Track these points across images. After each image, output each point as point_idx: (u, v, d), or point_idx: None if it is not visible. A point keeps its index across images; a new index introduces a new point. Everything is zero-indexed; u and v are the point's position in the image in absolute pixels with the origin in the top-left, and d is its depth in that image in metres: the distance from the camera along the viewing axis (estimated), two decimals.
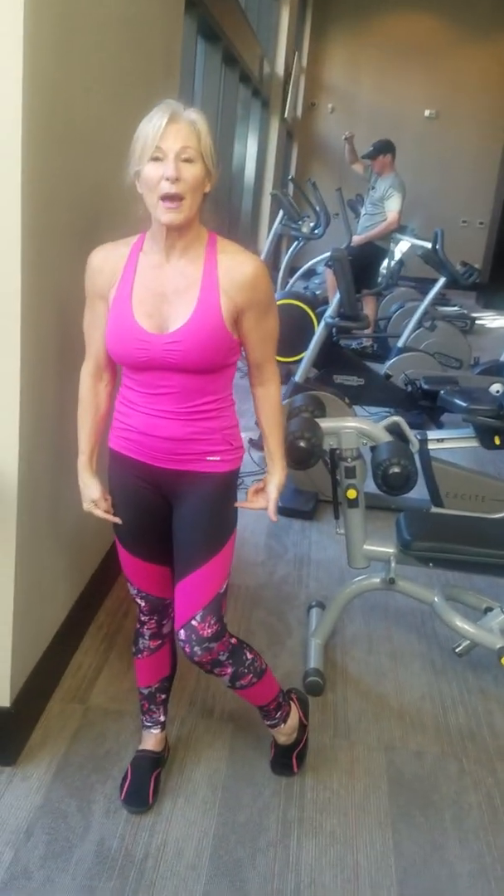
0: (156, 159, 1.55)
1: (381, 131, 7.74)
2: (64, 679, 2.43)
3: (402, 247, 7.23)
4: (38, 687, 2.21)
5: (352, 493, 2.54)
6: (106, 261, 1.69)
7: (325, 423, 2.52)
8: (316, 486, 3.81)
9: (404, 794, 2.13)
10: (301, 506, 3.77)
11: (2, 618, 1.96)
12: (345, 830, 1.99)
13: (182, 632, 1.77)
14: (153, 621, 1.96)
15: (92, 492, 1.84)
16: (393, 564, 2.54)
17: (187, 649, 1.78)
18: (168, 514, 1.81)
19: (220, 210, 6.19)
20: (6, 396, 1.80)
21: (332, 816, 2.03)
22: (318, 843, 1.95)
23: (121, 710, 2.32)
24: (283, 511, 3.75)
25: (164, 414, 1.69)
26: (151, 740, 2.08)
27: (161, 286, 1.64)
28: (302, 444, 2.38)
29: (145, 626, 1.97)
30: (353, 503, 2.56)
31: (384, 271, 6.77)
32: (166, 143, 1.54)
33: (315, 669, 2.52)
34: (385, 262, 6.84)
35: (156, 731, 2.08)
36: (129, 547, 1.87)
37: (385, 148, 6.63)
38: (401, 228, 6.97)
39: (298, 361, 4.30)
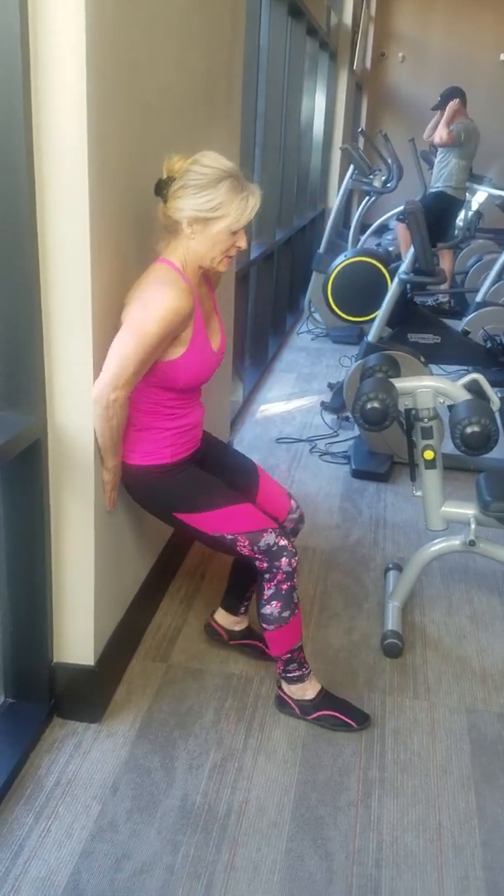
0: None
1: (454, 78, 7.43)
2: (145, 639, 2.48)
3: (478, 197, 6.97)
4: (120, 646, 2.26)
5: (429, 454, 2.49)
6: (192, 304, 1.86)
7: (399, 383, 2.46)
8: (391, 448, 3.75)
9: (487, 756, 2.11)
10: (376, 468, 3.72)
11: (84, 580, 2.01)
12: (427, 791, 1.99)
13: (296, 507, 2.30)
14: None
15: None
16: (473, 526, 2.48)
17: (299, 522, 2.30)
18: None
19: (289, 167, 6.08)
20: (81, 366, 1.83)
21: (413, 777, 2.03)
22: (399, 803, 1.95)
23: (201, 668, 2.37)
24: (357, 473, 3.72)
25: (199, 403, 2.11)
26: (316, 678, 2.21)
27: (204, 310, 1.98)
28: (375, 404, 2.33)
29: (295, 571, 2.07)
30: (430, 464, 2.50)
31: (460, 223, 6.54)
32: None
33: (393, 631, 2.50)
34: (461, 214, 6.60)
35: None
36: (236, 498, 2.07)
37: (451, 94, 6.35)
38: (477, 178, 6.71)
39: (371, 320, 4.21)
